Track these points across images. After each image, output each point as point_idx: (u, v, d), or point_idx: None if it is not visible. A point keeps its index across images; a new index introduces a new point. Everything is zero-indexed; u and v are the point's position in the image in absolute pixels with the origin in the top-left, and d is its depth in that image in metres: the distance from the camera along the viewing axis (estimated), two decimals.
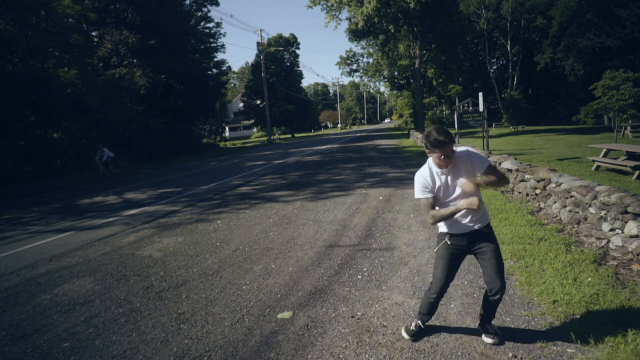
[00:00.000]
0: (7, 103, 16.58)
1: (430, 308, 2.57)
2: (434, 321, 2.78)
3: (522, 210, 5.41)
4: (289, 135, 53.03)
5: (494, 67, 41.12)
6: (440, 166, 2.28)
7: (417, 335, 2.61)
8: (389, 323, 2.82)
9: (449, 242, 2.44)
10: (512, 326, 2.64)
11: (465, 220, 2.38)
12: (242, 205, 7.52)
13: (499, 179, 2.30)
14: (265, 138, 43.91)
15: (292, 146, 28.12)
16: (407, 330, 2.64)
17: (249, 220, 6.26)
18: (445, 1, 25.02)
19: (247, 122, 56.01)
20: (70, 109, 18.64)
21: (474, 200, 2.21)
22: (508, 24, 35.28)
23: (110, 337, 2.90)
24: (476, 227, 2.39)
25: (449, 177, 2.32)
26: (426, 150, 2.29)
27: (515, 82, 36.67)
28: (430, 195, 2.35)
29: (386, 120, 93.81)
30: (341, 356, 2.46)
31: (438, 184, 2.35)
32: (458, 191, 2.32)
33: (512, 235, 4.37)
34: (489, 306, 2.48)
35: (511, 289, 3.18)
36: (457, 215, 2.36)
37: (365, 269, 3.85)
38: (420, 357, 2.40)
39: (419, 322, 2.61)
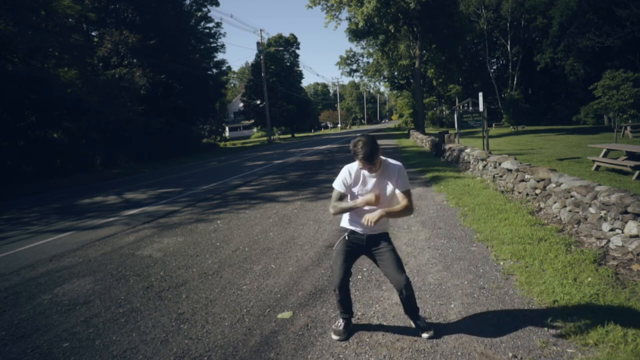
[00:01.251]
0: (7, 103, 16.57)
1: (343, 306, 2.70)
2: (433, 321, 2.79)
3: (522, 210, 5.41)
4: (289, 135, 53.03)
5: (494, 67, 41.14)
6: (363, 168, 2.43)
7: (347, 334, 2.68)
8: (389, 323, 2.82)
9: (347, 238, 2.61)
10: (512, 326, 2.64)
11: (364, 226, 2.50)
12: (242, 205, 7.53)
13: (407, 207, 2.47)
14: (265, 138, 43.91)
15: (292, 146, 28.13)
16: (335, 331, 2.71)
17: (249, 220, 6.26)
18: (445, 1, 25.02)
19: (247, 122, 56.01)
20: (70, 109, 18.63)
21: (370, 197, 2.40)
22: (508, 24, 35.29)
23: (110, 337, 2.90)
24: (372, 232, 2.55)
25: (374, 180, 2.48)
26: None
27: (515, 82, 36.68)
28: (343, 190, 2.53)
29: (384, 121, 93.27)
30: (341, 356, 2.46)
31: (360, 180, 2.50)
32: (369, 189, 2.49)
33: (512, 235, 4.37)
34: (407, 303, 2.59)
35: (511, 289, 3.18)
36: (358, 220, 2.52)
37: (365, 269, 3.85)
38: (420, 357, 2.40)
39: (341, 321, 2.73)
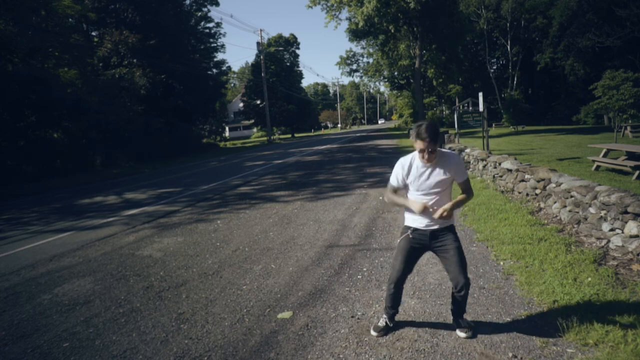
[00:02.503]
0: (7, 103, 16.57)
1: (393, 301, 2.67)
2: (433, 321, 2.79)
3: (522, 210, 5.41)
4: (289, 135, 53.03)
5: (494, 67, 41.12)
6: (423, 159, 2.40)
7: (386, 331, 2.68)
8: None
9: (410, 236, 2.56)
10: (512, 326, 2.64)
11: (429, 218, 2.48)
12: (242, 205, 7.52)
13: (468, 195, 2.55)
14: (265, 138, 43.91)
15: (292, 146, 28.12)
16: (375, 328, 2.70)
17: (249, 220, 6.26)
18: (445, 1, 25.02)
19: (247, 122, 56.01)
20: (70, 109, 18.63)
21: (420, 207, 2.41)
22: (508, 24, 35.28)
23: (110, 337, 2.90)
24: (437, 226, 2.50)
25: (428, 172, 2.44)
26: (412, 140, 2.42)
27: (515, 82, 36.66)
28: (396, 184, 2.54)
29: (380, 121, 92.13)
30: (341, 356, 2.46)
31: (414, 174, 2.47)
32: (431, 187, 2.45)
33: (512, 235, 4.37)
34: (457, 302, 2.58)
35: (511, 289, 3.18)
36: (420, 214, 2.48)
37: (365, 269, 3.85)
38: (420, 357, 2.40)
39: (386, 317, 2.71)
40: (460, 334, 2.56)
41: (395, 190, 2.57)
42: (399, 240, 2.63)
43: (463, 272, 2.44)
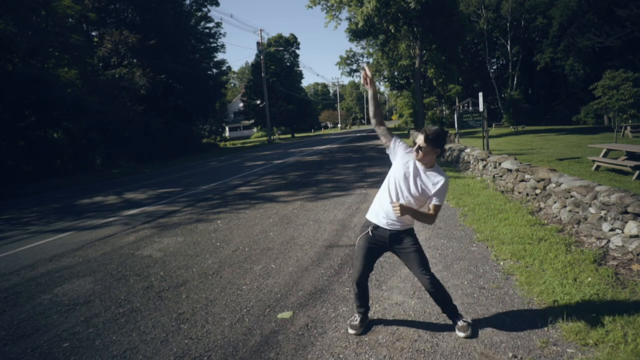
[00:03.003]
0: (7, 103, 16.56)
1: (359, 300, 2.73)
2: (433, 321, 2.79)
3: (522, 210, 5.41)
4: (289, 135, 53.03)
5: (494, 67, 41.11)
6: (417, 155, 2.41)
7: (364, 329, 2.72)
8: (389, 323, 2.82)
9: (370, 234, 2.58)
10: (512, 326, 2.64)
11: (391, 219, 2.50)
12: (242, 205, 7.52)
13: (431, 217, 2.49)
14: (265, 138, 43.90)
15: (292, 146, 28.12)
16: (352, 326, 2.73)
17: (249, 220, 6.26)
18: (445, 1, 25.01)
19: (247, 122, 56.01)
20: (70, 109, 18.63)
21: (397, 209, 2.38)
22: (508, 24, 35.27)
23: (110, 337, 2.90)
24: (398, 226, 2.52)
25: (414, 176, 2.45)
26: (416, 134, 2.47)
27: (515, 82, 36.66)
28: (391, 144, 2.57)
29: None
30: (341, 356, 2.46)
31: (403, 164, 2.48)
32: (406, 192, 2.45)
33: (512, 235, 4.37)
34: (439, 301, 2.63)
35: (511, 289, 3.18)
36: (384, 210, 2.52)
37: None
38: (420, 357, 2.40)
39: (359, 316, 2.75)
40: (460, 333, 2.57)
41: (388, 134, 2.61)
42: (358, 239, 2.66)
43: (426, 272, 2.51)
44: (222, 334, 2.83)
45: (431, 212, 2.47)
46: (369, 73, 2.59)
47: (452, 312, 2.64)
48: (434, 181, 2.42)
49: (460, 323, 2.59)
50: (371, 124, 2.72)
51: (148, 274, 4.15)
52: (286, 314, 3.05)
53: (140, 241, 5.51)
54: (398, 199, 2.46)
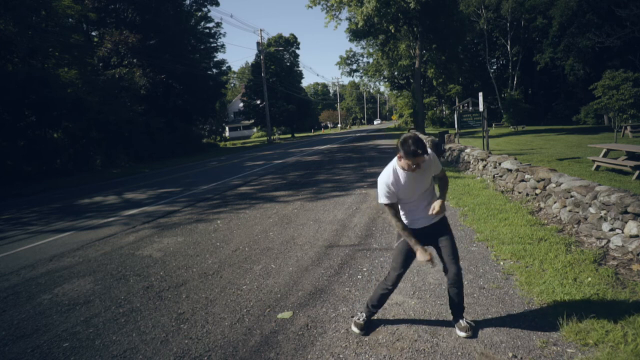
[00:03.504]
0: (7, 103, 16.56)
1: (381, 300, 2.72)
2: (433, 321, 2.79)
3: (522, 210, 5.41)
4: (289, 135, 53.03)
5: (494, 67, 41.14)
6: (409, 170, 2.37)
7: (367, 329, 2.71)
8: (389, 323, 2.82)
9: (402, 239, 2.62)
10: (512, 326, 2.64)
11: (423, 219, 2.58)
12: (242, 205, 7.52)
13: (445, 182, 2.68)
14: (265, 138, 43.91)
15: (292, 146, 28.12)
16: (357, 325, 2.72)
17: (249, 220, 6.26)
18: (445, 1, 25.00)
19: (247, 122, 56.01)
20: (70, 109, 18.63)
21: (422, 259, 2.44)
22: (508, 24, 35.28)
23: (110, 337, 2.90)
24: (433, 221, 2.59)
25: (412, 179, 2.45)
26: (397, 154, 2.37)
27: (515, 82, 36.68)
28: (394, 201, 2.49)
29: (376, 122, 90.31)
30: (341, 356, 2.46)
31: (402, 184, 2.46)
32: (419, 191, 2.51)
33: (512, 235, 4.37)
34: (454, 296, 2.61)
35: (511, 289, 3.18)
36: (413, 217, 2.59)
37: (365, 269, 3.85)
38: (420, 357, 2.40)
39: (366, 315, 2.74)
40: (461, 333, 2.56)
41: (395, 207, 2.53)
42: (396, 244, 2.67)
43: (455, 262, 2.54)
44: (222, 334, 2.83)
45: (443, 177, 2.65)
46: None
47: (459, 311, 2.64)
48: (429, 162, 2.47)
49: (462, 323, 2.59)
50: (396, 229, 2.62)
51: (148, 274, 4.15)
52: (286, 314, 3.05)
53: (140, 241, 5.51)
54: (425, 201, 2.57)
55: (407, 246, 2.57)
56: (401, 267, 2.61)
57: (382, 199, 2.48)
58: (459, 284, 2.56)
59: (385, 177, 2.47)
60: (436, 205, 2.50)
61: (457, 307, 2.64)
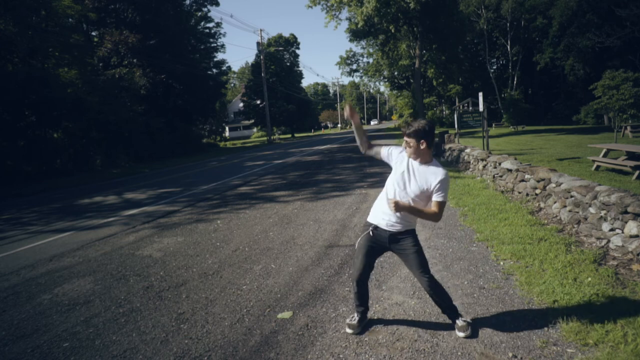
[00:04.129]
0: (7, 103, 16.56)
1: (359, 299, 2.73)
2: (433, 321, 2.79)
3: (522, 210, 5.41)
4: (289, 135, 53.03)
5: (494, 67, 41.12)
6: (407, 152, 2.47)
7: (362, 329, 2.73)
8: (389, 323, 2.82)
9: (371, 234, 2.60)
10: (512, 326, 2.64)
11: (392, 218, 2.52)
12: (242, 205, 7.52)
13: (436, 214, 2.44)
14: (265, 138, 43.91)
15: (292, 146, 28.12)
16: (350, 326, 2.73)
17: (249, 220, 6.26)
18: (445, 1, 25.01)
19: (247, 122, 56.01)
20: (70, 109, 18.63)
21: (391, 204, 2.39)
22: (508, 24, 35.27)
23: (110, 337, 2.90)
24: (399, 227, 2.52)
25: (413, 175, 2.46)
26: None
27: (515, 82, 36.66)
28: (383, 153, 2.63)
29: (373, 122, 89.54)
30: (341, 356, 2.46)
31: (401, 166, 2.50)
32: (408, 193, 2.46)
33: (512, 235, 4.37)
34: (438, 302, 2.64)
35: (511, 289, 3.18)
36: (384, 210, 2.53)
37: None
38: (420, 357, 2.40)
39: (357, 315, 2.76)
40: (460, 333, 2.56)
41: (375, 147, 2.67)
42: (359, 239, 2.69)
43: (424, 273, 2.54)
44: (222, 334, 2.83)
45: (434, 209, 2.42)
46: (348, 111, 2.69)
47: (452, 312, 2.64)
48: (432, 177, 2.41)
49: (460, 323, 2.58)
50: (362, 152, 2.73)
51: (148, 274, 4.15)
52: (286, 314, 3.05)
53: (140, 241, 5.51)
54: (395, 197, 2.47)
55: (368, 243, 2.60)
56: (360, 263, 2.62)
57: (385, 147, 2.66)
58: (438, 290, 2.58)
59: (404, 145, 2.55)
60: (397, 202, 2.36)
61: (448, 311, 2.65)
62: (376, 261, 3.98)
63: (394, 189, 2.49)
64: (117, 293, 3.71)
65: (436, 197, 2.41)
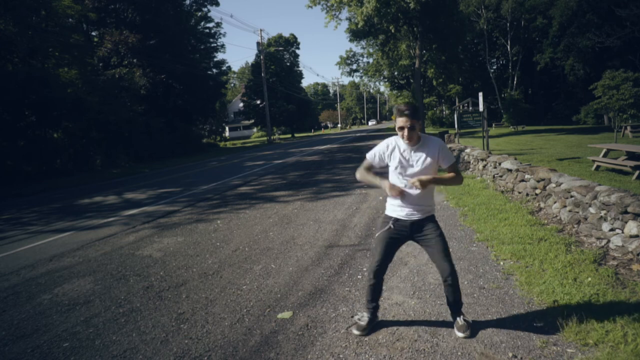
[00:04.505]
0: (7, 103, 16.56)
1: (373, 293, 2.68)
2: (433, 321, 2.78)
3: (522, 210, 5.40)
4: (289, 135, 53.03)
5: (494, 67, 41.13)
6: (403, 138, 2.42)
7: (369, 330, 2.67)
8: (389, 323, 2.81)
9: (392, 227, 2.56)
10: (512, 326, 2.64)
11: (410, 208, 2.50)
12: (242, 205, 7.52)
13: (457, 177, 2.48)
14: (265, 138, 43.91)
15: (292, 146, 28.12)
16: (358, 327, 2.68)
17: (249, 220, 6.26)
18: (445, 1, 25.01)
19: (247, 122, 56.02)
20: (70, 109, 18.63)
21: (390, 188, 2.42)
22: (508, 24, 35.27)
23: (110, 337, 2.90)
24: (419, 216, 2.51)
25: (412, 158, 2.45)
26: (394, 118, 2.50)
27: (515, 82, 36.67)
28: (372, 162, 2.58)
29: (371, 123, 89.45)
30: (341, 356, 2.46)
31: (397, 158, 2.47)
32: (416, 169, 2.44)
33: (512, 235, 4.37)
34: (450, 294, 2.60)
35: (511, 289, 3.18)
36: (401, 202, 2.50)
37: (365, 269, 3.84)
38: (420, 357, 2.40)
39: (368, 313, 2.70)
40: (459, 333, 2.56)
41: (369, 168, 2.60)
42: (378, 233, 2.65)
43: (448, 259, 2.49)
44: (222, 334, 2.83)
45: (451, 173, 2.47)
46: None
47: (457, 307, 2.62)
48: (428, 149, 2.43)
49: (460, 322, 2.58)
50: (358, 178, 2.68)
51: (148, 274, 4.15)
52: (286, 314, 3.05)
53: (140, 241, 5.51)
54: (405, 188, 2.47)
55: (389, 235, 2.55)
56: (380, 257, 2.57)
57: (369, 154, 2.61)
58: (455, 280, 2.54)
59: (388, 139, 2.56)
60: (419, 178, 2.36)
61: (453, 304, 2.63)
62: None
63: (400, 182, 2.49)
64: (117, 293, 3.71)
65: (446, 162, 2.45)
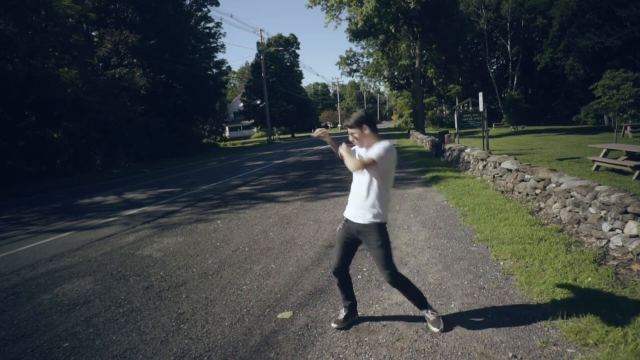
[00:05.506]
0: (7, 103, 16.56)
1: (343, 292, 2.81)
2: None
3: (522, 210, 5.40)
4: (289, 135, 53.02)
5: (494, 67, 41.15)
6: (357, 144, 2.64)
7: (347, 324, 2.78)
8: (389, 323, 2.82)
9: (342, 227, 2.70)
10: (512, 326, 2.64)
11: (354, 210, 2.61)
12: (242, 205, 7.52)
13: (356, 162, 2.48)
14: (265, 138, 43.91)
15: (292, 146, 28.13)
16: (336, 321, 2.80)
17: (248, 220, 6.26)
18: (445, 1, 25.02)
19: (247, 122, 56.00)
20: (70, 109, 18.63)
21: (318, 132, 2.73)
22: (508, 24, 35.30)
23: (110, 337, 2.90)
24: (361, 221, 2.56)
25: (365, 155, 2.58)
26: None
27: (515, 82, 36.69)
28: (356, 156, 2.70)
29: None
30: (341, 356, 2.46)
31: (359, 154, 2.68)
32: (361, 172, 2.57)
33: (512, 235, 4.37)
34: (406, 295, 2.70)
35: (511, 289, 3.18)
36: (350, 202, 2.67)
37: (365, 269, 3.85)
38: (420, 357, 2.40)
39: (344, 310, 2.82)
40: (433, 328, 2.63)
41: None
42: (337, 229, 2.78)
43: (385, 267, 2.54)
44: (222, 334, 2.83)
45: (363, 160, 2.50)
46: (315, 134, 2.79)
47: (419, 303, 2.70)
48: (372, 149, 2.55)
49: (430, 317, 2.65)
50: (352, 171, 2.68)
51: (148, 274, 4.15)
52: (286, 314, 3.05)
53: (140, 241, 5.51)
54: (361, 190, 2.57)
55: (342, 234, 2.68)
56: (336, 254, 2.70)
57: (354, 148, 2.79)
58: (398, 285, 2.62)
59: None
60: (321, 132, 2.68)
61: (414, 301, 2.71)
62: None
63: (357, 178, 2.63)
64: (117, 293, 3.71)
65: (368, 154, 2.52)
